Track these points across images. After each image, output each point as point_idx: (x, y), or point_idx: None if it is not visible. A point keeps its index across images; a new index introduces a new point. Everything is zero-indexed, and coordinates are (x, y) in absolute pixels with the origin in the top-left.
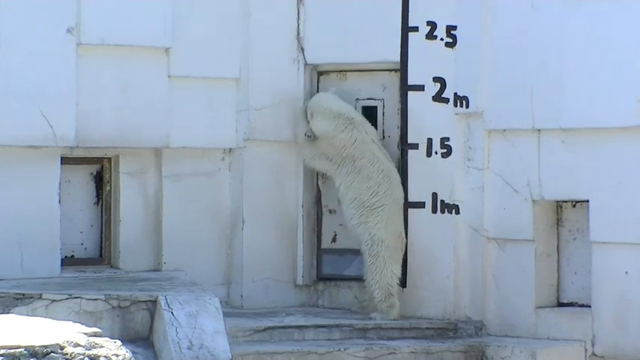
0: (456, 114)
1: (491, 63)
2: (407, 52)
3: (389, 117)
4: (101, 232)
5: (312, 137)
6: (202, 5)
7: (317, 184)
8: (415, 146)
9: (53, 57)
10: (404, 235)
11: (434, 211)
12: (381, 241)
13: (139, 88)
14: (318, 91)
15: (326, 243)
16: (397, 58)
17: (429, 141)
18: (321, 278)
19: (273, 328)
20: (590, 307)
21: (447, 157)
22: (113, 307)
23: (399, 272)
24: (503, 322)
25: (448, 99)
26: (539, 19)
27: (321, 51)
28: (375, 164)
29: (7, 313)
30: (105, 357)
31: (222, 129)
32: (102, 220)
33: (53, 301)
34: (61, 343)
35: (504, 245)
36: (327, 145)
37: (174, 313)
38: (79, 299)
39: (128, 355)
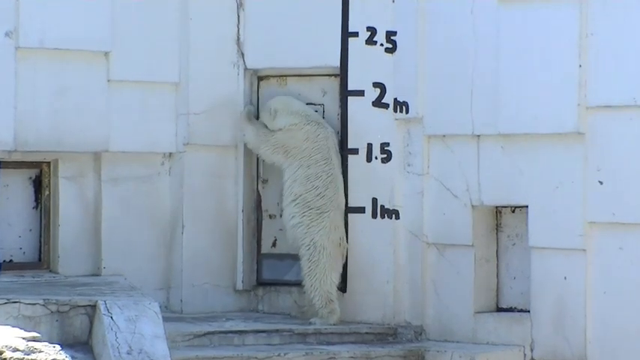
0: (396, 119)
1: (430, 68)
2: (347, 57)
3: (329, 122)
4: (40, 237)
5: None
6: (142, 9)
7: (257, 188)
8: (355, 151)
9: None
10: (345, 242)
11: (374, 216)
12: (322, 248)
13: (78, 92)
14: (258, 97)
15: (266, 248)
16: (337, 63)
17: (369, 146)
18: (261, 283)
19: (212, 333)
20: (529, 312)
21: (387, 162)
22: (52, 311)
23: (337, 280)
24: (443, 327)
25: (388, 104)
26: (476, 24)
27: (261, 56)
28: (327, 165)
29: None
30: None
31: (162, 133)
32: (41, 225)
33: None
34: None
35: (444, 250)
36: (288, 137)
37: (113, 317)
38: (17, 304)
39: (67, 359)
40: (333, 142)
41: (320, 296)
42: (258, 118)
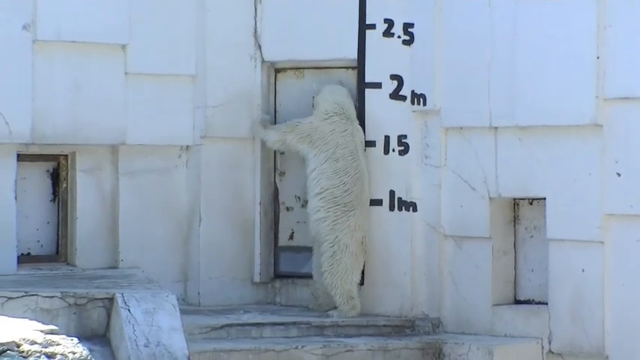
0: (413, 111)
1: (448, 61)
2: (364, 49)
3: None
4: (57, 230)
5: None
6: (159, 2)
7: (274, 181)
8: (372, 144)
9: (9, 53)
10: (367, 240)
11: (391, 208)
12: (346, 246)
13: (96, 84)
14: (275, 89)
15: (283, 240)
16: (354, 55)
17: (387, 138)
18: (278, 275)
19: (230, 325)
20: (546, 304)
21: (405, 154)
22: (70, 304)
23: (358, 278)
24: (460, 319)
25: (405, 97)
26: (494, 16)
27: (278, 48)
28: (354, 161)
29: None
30: (62, 354)
31: (179, 126)
32: (58, 217)
33: (9, 298)
34: (17, 340)
35: (461, 243)
36: (314, 127)
37: (131, 310)
38: (35, 297)
39: (85, 352)
40: (360, 140)
41: (341, 294)
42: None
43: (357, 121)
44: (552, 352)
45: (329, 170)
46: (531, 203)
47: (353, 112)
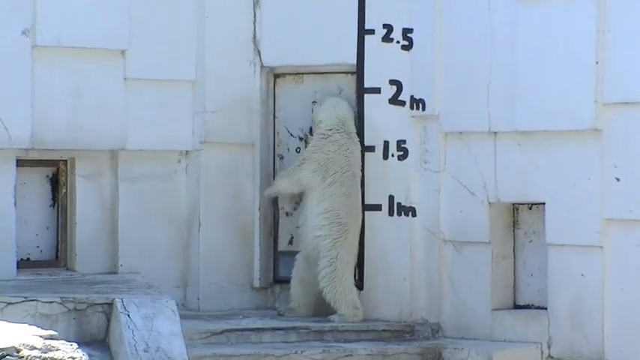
0: (412, 117)
1: (447, 66)
2: (363, 54)
3: None
4: (57, 235)
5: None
6: (158, 8)
7: None
8: (372, 149)
9: (8, 59)
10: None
11: (390, 213)
12: (347, 262)
13: (95, 90)
14: (274, 94)
15: (282, 245)
16: (353, 60)
17: (386, 143)
18: (278, 281)
19: (230, 330)
20: (546, 309)
21: (404, 159)
22: (69, 309)
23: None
24: (460, 324)
25: (404, 102)
26: (493, 20)
27: (278, 53)
28: (354, 179)
29: None
30: None
31: (179, 131)
32: (58, 223)
33: (8, 304)
34: (17, 346)
35: (460, 248)
36: (319, 154)
37: (130, 315)
38: (34, 302)
39: (85, 357)
40: (358, 156)
41: (347, 305)
42: None
43: (357, 137)
44: (552, 357)
45: (336, 194)
46: (530, 208)
47: (353, 127)
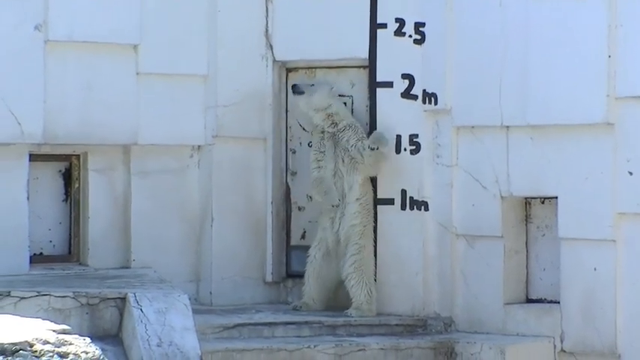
0: (425, 111)
1: (459, 60)
2: (375, 48)
3: (358, 113)
4: (70, 229)
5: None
6: (170, 2)
7: (286, 180)
8: None
9: (21, 54)
10: None
11: (403, 207)
12: (371, 252)
13: (107, 84)
14: (286, 88)
15: (295, 240)
16: (366, 54)
17: (398, 138)
18: (290, 275)
19: (242, 325)
20: (558, 303)
21: (416, 153)
22: (82, 304)
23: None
24: (472, 318)
25: (417, 96)
26: (505, 15)
27: (290, 47)
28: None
29: None
30: (74, 354)
31: (191, 126)
32: (70, 217)
33: (22, 298)
34: (30, 340)
35: (473, 242)
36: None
37: (143, 310)
38: (47, 296)
39: (97, 352)
40: None
41: (366, 293)
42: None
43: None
44: (564, 351)
45: (367, 178)
46: (543, 202)
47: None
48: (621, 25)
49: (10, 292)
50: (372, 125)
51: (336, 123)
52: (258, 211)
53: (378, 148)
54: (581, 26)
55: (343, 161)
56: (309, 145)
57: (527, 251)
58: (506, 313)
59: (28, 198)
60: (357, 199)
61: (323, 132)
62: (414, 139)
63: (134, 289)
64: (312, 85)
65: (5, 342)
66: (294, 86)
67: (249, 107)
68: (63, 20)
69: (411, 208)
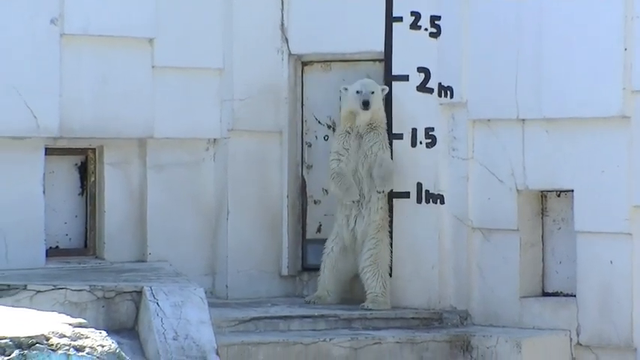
0: (441, 104)
1: (475, 53)
2: (391, 42)
3: None
4: (86, 223)
5: None
6: None
7: (302, 174)
8: (400, 136)
9: (37, 47)
10: None
11: (419, 201)
12: (388, 245)
13: (123, 78)
14: (302, 82)
15: (311, 233)
16: (381, 48)
17: (414, 131)
18: (306, 268)
19: (258, 318)
20: (575, 296)
21: (432, 147)
22: (98, 297)
23: None
24: (488, 311)
25: (432, 89)
26: (521, 7)
27: (305, 41)
28: None
29: None
30: (90, 347)
31: (206, 119)
32: (86, 211)
33: (38, 292)
34: (46, 334)
35: (489, 235)
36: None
37: (159, 303)
38: (63, 290)
39: (114, 345)
40: None
41: (382, 285)
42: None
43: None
44: (580, 345)
45: None
46: (559, 195)
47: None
48: (637, 17)
49: (26, 285)
50: (388, 119)
51: (372, 124)
52: (274, 204)
53: (384, 192)
54: (596, 18)
55: (363, 166)
56: (325, 138)
57: (543, 244)
58: (522, 307)
59: (44, 192)
60: (378, 199)
61: (351, 130)
62: (430, 133)
63: (150, 282)
64: (362, 90)
65: (21, 335)
66: (364, 102)
67: (265, 101)
68: (79, 14)
69: (427, 202)
